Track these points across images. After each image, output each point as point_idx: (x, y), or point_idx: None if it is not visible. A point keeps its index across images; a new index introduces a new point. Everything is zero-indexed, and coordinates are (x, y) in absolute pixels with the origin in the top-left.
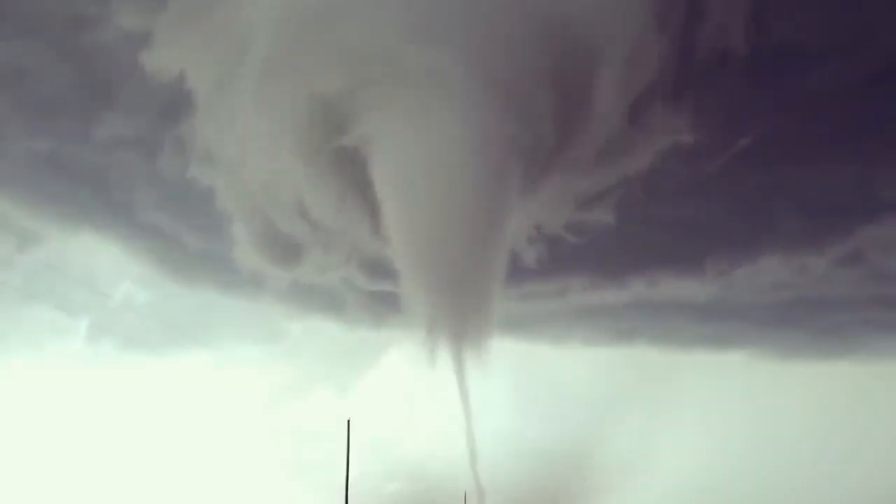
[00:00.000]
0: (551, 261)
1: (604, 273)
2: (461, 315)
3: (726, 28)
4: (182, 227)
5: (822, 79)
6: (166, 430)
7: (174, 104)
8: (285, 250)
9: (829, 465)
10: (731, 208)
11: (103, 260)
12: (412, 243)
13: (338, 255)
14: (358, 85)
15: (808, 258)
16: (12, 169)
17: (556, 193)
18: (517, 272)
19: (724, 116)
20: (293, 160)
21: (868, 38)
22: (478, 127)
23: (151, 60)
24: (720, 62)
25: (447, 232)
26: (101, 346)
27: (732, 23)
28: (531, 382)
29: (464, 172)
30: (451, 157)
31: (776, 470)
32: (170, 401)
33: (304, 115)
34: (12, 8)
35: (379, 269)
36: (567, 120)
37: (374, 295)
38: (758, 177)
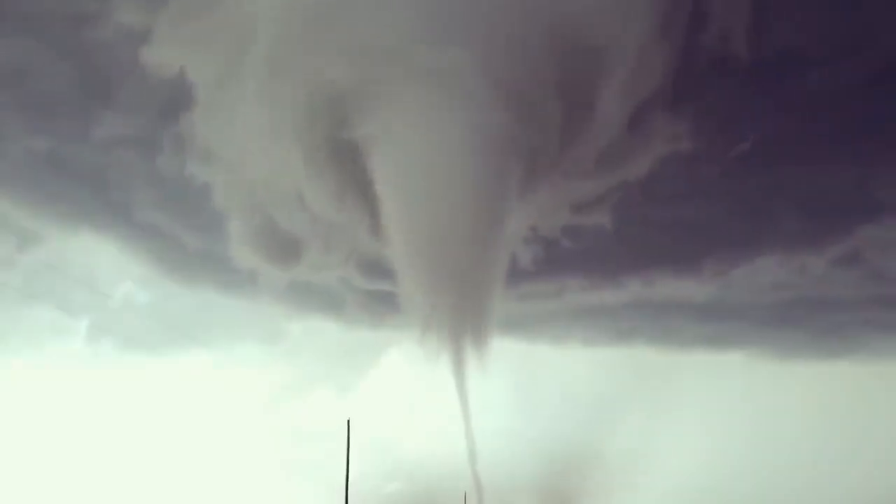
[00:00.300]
0: (548, 261)
1: (601, 273)
2: (461, 315)
3: (728, 33)
4: (182, 226)
5: (822, 80)
6: (166, 430)
7: (174, 102)
8: (284, 249)
9: (828, 465)
10: (730, 208)
11: (103, 260)
12: (412, 243)
13: (337, 254)
14: (359, 83)
15: (807, 258)
16: (12, 169)
17: (554, 197)
18: (514, 273)
19: (724, 120)
20: (294, 158)
21: (866, 39)
22: (479, 127)
23: (152, 57)
24: (721, 66)
25: (447, 232)
26: (101, 346)
27: (735, 27)
28: (531, 382)
29: (464, 172)
30: (452, 157)
31: (776, 470)
32: (170, 401)
33: (305, 113)
34: (11, 7)
35: (379, 268)
36: (570, 124)
37: (374, 295)
38: (757, 177)
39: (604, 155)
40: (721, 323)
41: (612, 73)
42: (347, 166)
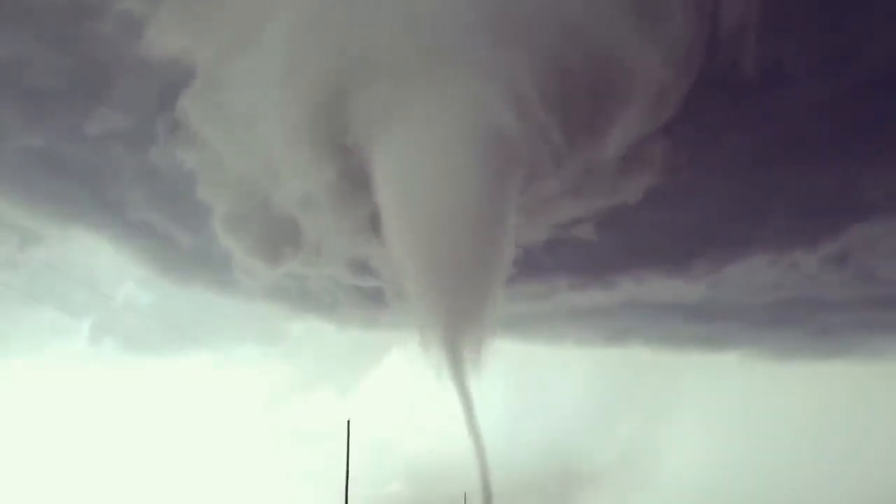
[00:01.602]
0: (539, 262)
1: (592, 274)
2: (460, 316)
3: (738, 56)
4: (180, 227)
5: (814, 87)
6: (167, 430)
7: (173, 91)
8: (277, 242)
9: (824, 464)
10: (722, 208)
11: (103, 260)
12: (412, 243)
13: (333, 250)
14: (365, 78)
15: (799, 257)
16: (9, 167)
17: (544, 210)
18: None
19: (720, 129)
20: (294, 149)
21: (856, 50)
22: (486, 128)
23: (153, 41)
24: (720, 82)
25: (447, 231)
26: (102, 346)
27: (743, 51)
28: (526, 383)
29: (467, 171)
30: (455, 156)
31: (772, 469)
32: (171, 401)
33: (309, 104)
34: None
35: (379, 269)
36: (575, 143)
37: (371, 294)
38: (749, 178)
39: (602, 176)
40: (716, 323)
41: (632, 109)
42: (349, 163)
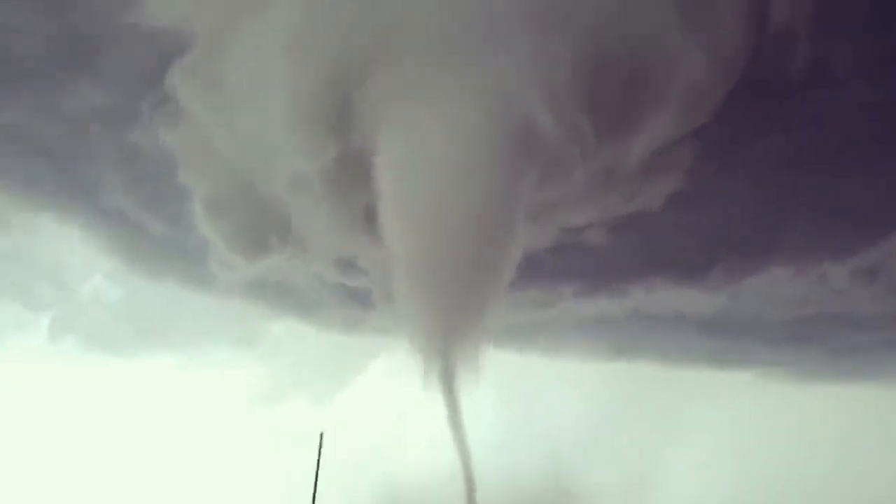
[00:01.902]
0: (540, 268)
1: (600, 282)
2: (457, 323)
3: (782, 61)
4: (156, 217)
5: (857, 88)
6: (128, 436)
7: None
8: (267, 239)
9: (843, 497)
10: (744, 212)
11: (69, 250)
12: (410, 242)
13: (326, 249)
14: (376, 63)
15: (827, 268)
16: None
17: (554, 212)
18: None
19: (754, 140)
20: (291, 134)
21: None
22: (503, 124)
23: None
24: (765, 87)
25: (449, 230)
26: (62, 344)
27: (790, 54)
28: (523, 398)
29: (479, 166)
30: (467, 150)
31: (788, 499)
32: (134, 405)
33: (313, 87)
34: None
35: (369, 268)
36: (603, 143)
37: (357, 295)
38: (775, 180)
39: (624, 179)
40: (730, 339)
41: (664, 101)
42: (349, 149)
